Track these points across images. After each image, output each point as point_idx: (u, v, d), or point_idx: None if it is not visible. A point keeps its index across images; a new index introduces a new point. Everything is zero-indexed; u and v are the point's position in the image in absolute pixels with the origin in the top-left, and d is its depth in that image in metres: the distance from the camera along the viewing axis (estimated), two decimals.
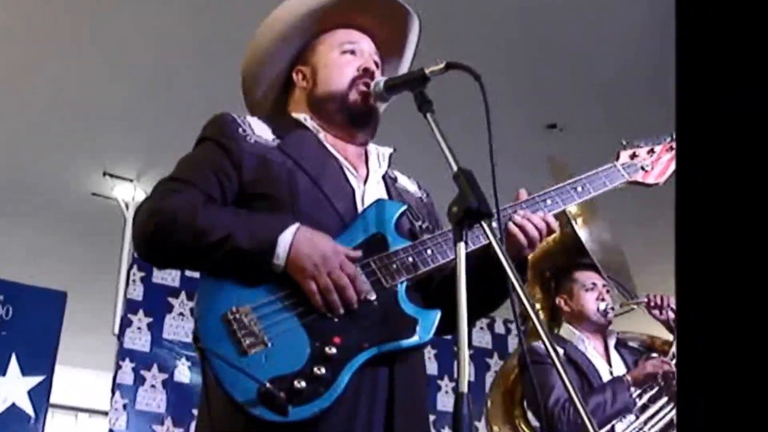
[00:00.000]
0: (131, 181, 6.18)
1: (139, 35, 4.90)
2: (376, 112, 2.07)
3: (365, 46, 2.11)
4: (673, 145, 2.27)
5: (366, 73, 2.03)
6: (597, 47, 4.83)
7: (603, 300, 3.58)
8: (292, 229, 1.74)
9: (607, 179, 2.13)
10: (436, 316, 1.77)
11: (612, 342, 3.61)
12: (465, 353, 1.45)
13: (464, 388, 1.41)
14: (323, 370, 1.64)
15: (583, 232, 3.84)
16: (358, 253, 1.79)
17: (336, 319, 1.72)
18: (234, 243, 1.71)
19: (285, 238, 1.72)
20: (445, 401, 7.01)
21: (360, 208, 1.91)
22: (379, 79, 2.01)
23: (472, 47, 4.62)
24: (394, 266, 1.81)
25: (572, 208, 3.77)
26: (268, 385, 1.58)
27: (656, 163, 2.23)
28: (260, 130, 1.96)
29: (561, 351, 3.44)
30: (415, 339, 1.75)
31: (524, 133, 5.46)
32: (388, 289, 1.79)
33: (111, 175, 6.19)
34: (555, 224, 1.94)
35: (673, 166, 2.23)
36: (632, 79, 5.05)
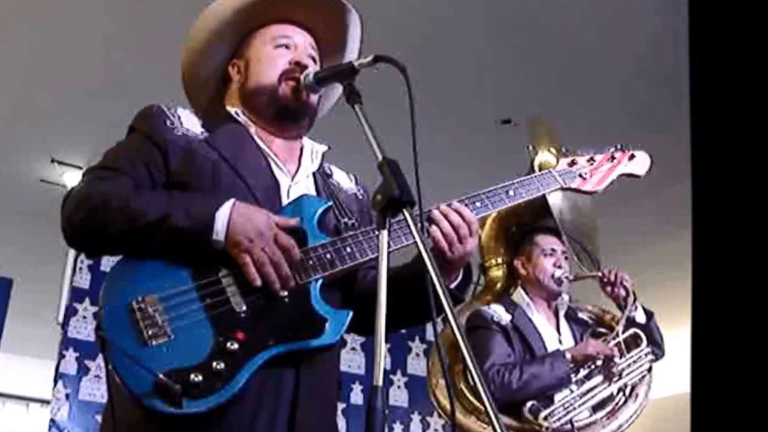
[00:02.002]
0: (80, 168, 6.10)
1: (90, 22, 4.83)
2: (308, 106, 2.05)
3: (299, 40, 2.10)
4: (615, 155, 2.30)
5: (297, 66, 2.02)
6: (554, 42, 4.84)
7: (560, 267, 3.60)
8: (228, 204, 1.74)
9: (540, 184, 2.13)
10: (347, 317, 1.75)
11: (563, 311, 3.63)
12: (382, 347, 1.42)
13: (379, 382, 1.39)
14: (222, 366, 1.61)
15: (555, 193, 3.84)
16: (295, 220, 1.79)
17: (243, 314, 1.69)
18: (172, 222, 1.70)
19: (222, 214, 1.72)
20: (397, 395, 7.01)
21: (285, 203, 1.90)
22: (309, 70, 2.00)
23: (426, 43, 4.62)
24: (310, 262, 1.79)
25: (550, 159, 3.76)
26: (161, 376, 1.56)
27: (595, 172, 2.25)
28: (189, 123, 1.95)
29: (509, 318, 3.48)
30: (322, 339, 1.72)
31: (479, 128, 5.46)
32: (300, 286, 1.76)
33: (60, 162, 6.11)
34: (472, 219, 1.91)
35: (613, 175, 2.27)
36: (588, 75, 5.07)
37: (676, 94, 4.99)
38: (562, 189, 2.20)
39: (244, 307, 1.71)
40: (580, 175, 2.22)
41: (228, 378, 1.61)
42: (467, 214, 1.91)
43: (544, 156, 3.55)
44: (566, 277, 3.60)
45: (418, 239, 1.53)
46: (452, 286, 1.93)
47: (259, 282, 1.71)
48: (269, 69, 2.04)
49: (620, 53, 4.85)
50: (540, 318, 3.58)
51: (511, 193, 2.05)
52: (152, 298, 1.66)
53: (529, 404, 3.26)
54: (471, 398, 3.55)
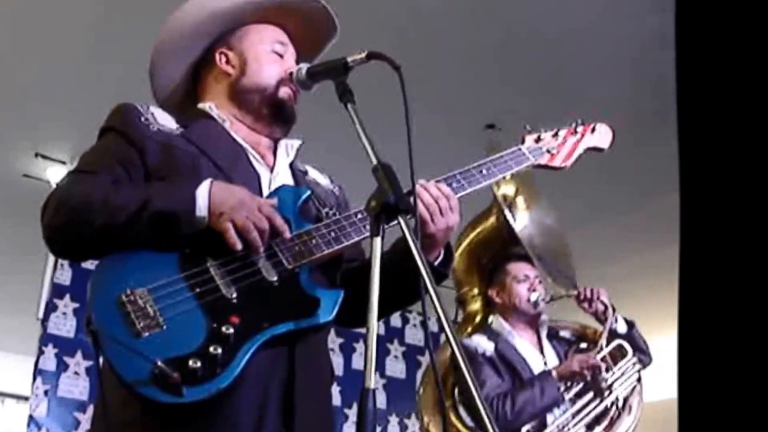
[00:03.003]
0: (64, 163, 6.05)
1: (75, 16, 4.79)
2: (296, 115, 2.08)
3: (290, 52, 2.12)
4: (577, 129, 2.29)
5: (292, 77, 2.04)
6: (538, 48, 4.84)
7: (534, 291, 3.63)
8: (207, 182, 1.75)
9: (512, 162, 2.14)
10: (339, 296, 1.76)
11: (544, 332, 3.65)
12: (372, 348, 1.43)
13: (370, 384, 1.39)
14: (219, 350, 1.60)
15: (521, 218, 3.87)
16: (273, 201, 1.80)
17: (235, 300, 1.69)
18: (153, 208, 1.69)
19: (202, 190, 1.72)
20: (380, 399, 7.01)
21: (265, 194, 1.90)
22: (302, 65, 2.01)
23: (411, 46, 4.61)
24: (297, 248, 1.79)
25: (510, 191, 3.78)
26: (160, 363, 1.54)
27: (561, 147, 2.25)
28: (163, 119, 1.94)
29: (492, 346, 3.49)
30: (317, 318, 1.73)
31: (463, 133, 5.46)
32: (290, 271, 1.77)
33: (44, 157, 6.05)
34: (452, 194, 1.94)
35: (579, 150, 2.27)
36: (572, 81, 5.07)
37: (663, 102, 5.04)
38: (533, 166, 2.21)
39: (235, 294, 1.71)
40: (548, 151, 2.22)
41: (226, 362, 1.60)
42: (446, 189, 1.94)
43: None
44: (542, 300, 3.64)
45: (412, 245, 1.52)
46: (436, 263, 1.95)
47: (239, 246, 1.70)
48: (268, 71, 2.05)
49: (608, 60, 4.86)
50: (523, 342, 3.60)
51: (484, 171, 2.06)
52: (141, 290, 1.65)
53: (524, 430, 3.27)
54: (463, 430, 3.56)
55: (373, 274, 1.49)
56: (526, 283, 3.66)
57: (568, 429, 3.30)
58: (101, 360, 1.64)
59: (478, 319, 3.88)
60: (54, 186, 1.83)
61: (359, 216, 1.87)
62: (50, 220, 1.76)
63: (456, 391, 3.61)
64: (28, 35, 4.98)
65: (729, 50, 2.27)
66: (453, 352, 1.42)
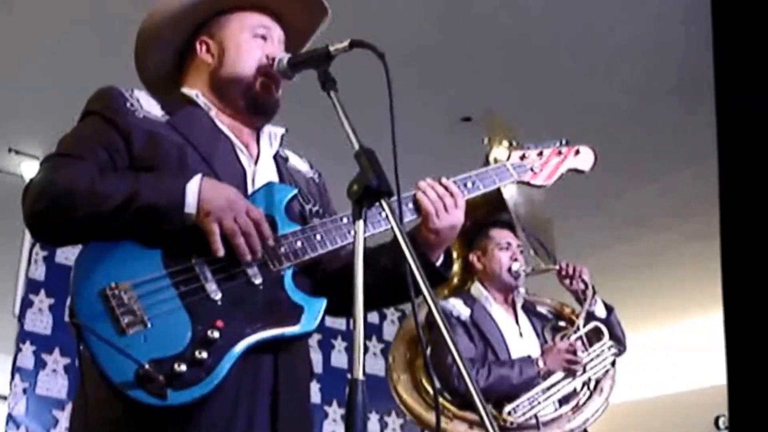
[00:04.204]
0: (38, 158, 5.97)
1: (47, 11, 4.73)
2: (278, 103, 2.04)
3: (276, 34, 2.07)
4: (561, 150, 2.34)
5: (273, 61, 1.99)
6: (515, 40, 4.83)
7: (516, 260, 3.60)
8: (197, 178, 1.72)
9: (497, 177, 2.17)
10: (322, 305, 1.76)
11: (519, 303, 3.63)
12: (360, 339, 1.42)
13: (359, 375, 1.37)
14: (205, 355, 1.59)
15: (509, 187, 3.83)
16: (260, 210, 1.77)
17: (219, 302, 1.67)
18: (141, 200, 1.66)
19: (192, 186, 1.69)
20: None
21: (250, 189, 1.88)
22: (282, 56, 1.97)
23: (387, 37, 4.58)
24: (282, 250, 1.78)
25: (503, 155, 3.73)
26: (147, 366, 1.53)
27: (545, 166, 2.30)
28: (149, 106, 1.90)
29: (468, 312, 3.47)
30: (299, 328, 1.72)
31: (438, 126, 5.45)
32: (274, 274, 1.76)
33: (17, 152, 5.99)
34: (459, 193, 1.97)
35: (561, 170, 2.32)
36: (550, 75, 5.07)
37: (645, 93, 5.07)
38: (516, 182, 2.24)
39: (220, 295, 1.68)
40: (531, 169, 2.27)
41: (211, 367, 1.59)
42: (453, 187, 1.97)
43: (498, 150, 3.54)
44: (523, 271, 3.60)
45: (395, 227, 1.51)
46: (438, 263, 1.97)
47: (221, 252, 1.68)
48: (246, 60, 2.00)
49: (588, 53, 4.85)
50: (499, 311, 3.58)
51: (469, 185, 2.07)
52: (125, 285, 1.62)
53: (493, 399, 3.26)
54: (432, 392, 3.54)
55: (357, 258, 1.48)
56: (508, 251, 3.61)
57: (538, 403, 3.29)
58: (82, 351, 1.61)
59: (455, 281, 3.78)
60: (27, 180, 1.79)
61: (344, 221, 1.86)
62: (32, 206, 1.71)
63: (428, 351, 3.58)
64: (0, 35, 4.92)
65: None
66: (430, 313, 1.41)
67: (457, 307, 3.52)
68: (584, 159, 2.37)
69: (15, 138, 5.92)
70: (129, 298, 1.60)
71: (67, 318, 1.63)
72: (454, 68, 5.05)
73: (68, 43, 4.99)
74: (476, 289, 3.65)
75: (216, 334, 1.61)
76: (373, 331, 7.24)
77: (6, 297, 6.10)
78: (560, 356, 3.40)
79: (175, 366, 1.55)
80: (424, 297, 1.45)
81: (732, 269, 2.28)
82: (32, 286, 5.82)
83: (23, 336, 5.65)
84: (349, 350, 7.02)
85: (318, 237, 1.82)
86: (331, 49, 1.82)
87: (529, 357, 3.39)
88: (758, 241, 2.24)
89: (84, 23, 4.85)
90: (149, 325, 1.59)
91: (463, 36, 4.79)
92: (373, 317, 7.24)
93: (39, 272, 5.88)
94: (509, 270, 3.58)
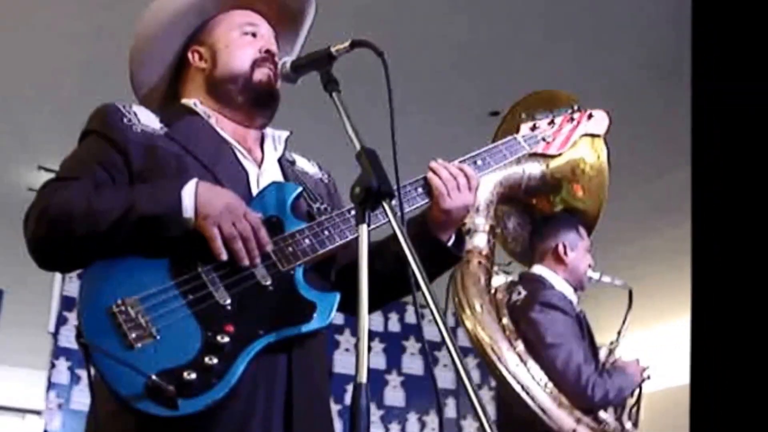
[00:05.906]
0: None
1: (74, 28, 4.77)
2: (278, 95, 2.03)
3: (264, 29, 2.07)
4: (574, 116, 2.25)
5: (268, 54, 2.00)
6: (543, 36, 4.80)
7: (591, 268, 3.50)
8: (192, 182, 1.70)
9: (507, 152, 2.11)
10: (335, 299, 1.73)
11: None
12: (365, 339, 1.39)
13: (363, 379, 1.35)
14: (215, 360, 1.56)
15: None
16: (259, 215, 1.75)
17: (229, 307, 1.65)
18: (139, 212, 1.65)
19: (188, 191, 1.68)
20: (394, 396, 6.96)
21: (255, 192, 1.86)
22: (285, 59, 1.96)
23: (414, 35, 4.58)
24: (290, 249, 1.76)
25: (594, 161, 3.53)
26: (154, 377, 1.50)
27: (557, 134, 2.21)
28: (147, 119, 1.89)
29: (576, 300, 3.36)
30: (313, 323, 1.69)
31: (467, 120, 5.42)
32: (284, 273, 1.73)
33: (46, 170, 6.04)
34: (473, 174, 1.93)
35: (575, 136, 2.23)
36: (578, 66, 5.02)
37: (669, 86, 4.99)
38: (529, 154, 2.19)
39: (229, 300, 1.66)
40: (543, 139, 2.19)
41: (222, 372, 1.57)
42: (468, 168, 1.94)
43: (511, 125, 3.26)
44: (589, 278, 3.49)
45: (397, 229, 1.48)
46: (449, 243, 1.94)
47: (225, 256, 1.66)
48: (240, 56, 1.99)
49: (615, 44, 4.80)
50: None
51: (479, 162, 2.03)
52: (132, 300, 1.60)
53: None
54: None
55: (361, 261, 1.45)
56: (589, 256, 3.48)
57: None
58: (93, 372, 1.60)
59: (518, 248, 3.61)
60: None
61: (352, 212, 1.83)
62: (33, 232, 1.70)
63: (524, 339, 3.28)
64: (27, 48, 4.97)
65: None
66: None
67: (569, 294, 3.37)
68: (598, 123, 2.28)
69: (44, 157, 5.97)
70: (136, 313, 1.58)
71: (74, 338, 1.61)
72: (482, 62, 5.03)
73: (97, 61, 5.03)
74: (552, 277, 3.43)
75: (225, 339, 1.59)
76: (411, 331, 7.19)
77: (41, 314, 6.16)
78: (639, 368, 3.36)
79: (185, 375, 1.53)
80: (424, 297, 1.42)
81: (703, 266, 2.23)
82: (67, 302, 5.88)
83: (58, 352, 5.72)
84: (386, 352, 6.99)
85: (326, 233, 1.80)
86: (333, 49, 1.81)
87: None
88: (730, 234, 2.19)
89: (112, 39, 4.89)
90: (158, 337, 1.57)
91: (490, 30, 4.77)
92: (411, 317, 7.15)
93: (73, 289, 5.93)
94: (586, 275, 3.46)
